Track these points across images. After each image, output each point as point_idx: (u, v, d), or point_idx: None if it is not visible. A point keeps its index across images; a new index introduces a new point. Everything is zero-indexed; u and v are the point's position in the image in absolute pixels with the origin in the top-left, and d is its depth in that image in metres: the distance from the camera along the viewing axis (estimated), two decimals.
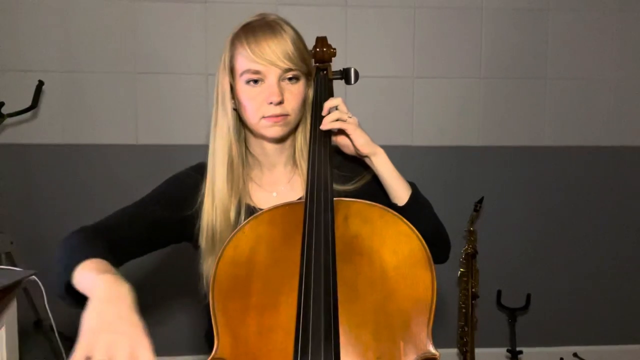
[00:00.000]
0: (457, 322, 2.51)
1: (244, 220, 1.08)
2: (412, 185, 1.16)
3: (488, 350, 2.59)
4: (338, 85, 1.25)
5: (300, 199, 1.16)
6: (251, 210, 1.14)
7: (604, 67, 2.57)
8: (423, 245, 0.95)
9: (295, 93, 1.11)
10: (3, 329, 1.42)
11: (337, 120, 1.10)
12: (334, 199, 1.01)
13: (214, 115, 1.15)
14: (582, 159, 2.60)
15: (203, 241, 1.14)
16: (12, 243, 2.15)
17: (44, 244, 2.41)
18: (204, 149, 1.17)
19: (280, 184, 1.20)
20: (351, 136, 1.11)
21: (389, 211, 1.00)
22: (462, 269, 2.43)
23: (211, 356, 0.88)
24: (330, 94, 1.19)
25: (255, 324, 0.88)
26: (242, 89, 1.10)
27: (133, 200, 1.15)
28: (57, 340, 1.75)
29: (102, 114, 2.42)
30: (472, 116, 2.56)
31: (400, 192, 1.12)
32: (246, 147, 1.19)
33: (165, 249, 1.19)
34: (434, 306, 0.90)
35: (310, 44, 1.26)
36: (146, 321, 0.77)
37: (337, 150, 1.19)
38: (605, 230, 2.63)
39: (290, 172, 1.21)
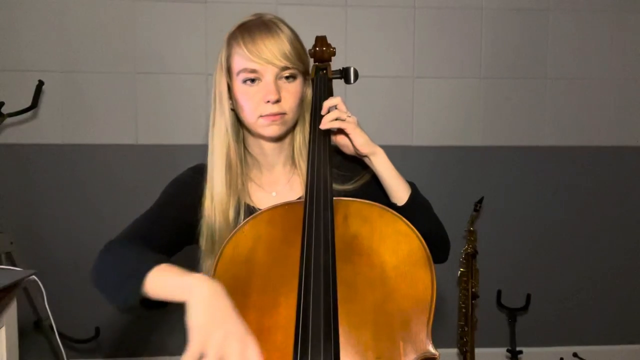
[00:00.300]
0: (457, 322, 2.51)
1: (244, 220, 1.07)
2: (412, 185, 1.16)
3: (488, 350, 2.59)
4: (337, 85, 1.25)
5: (299, 198, 1.15)
6: (250, 210, 1.14)
7: (604, 67, 2.57)
8: (423, 245, 0.95)
9: (293, 91, 1.10)
10: (3, 329, 1.42)
11: (336, 119, 1.10)
12: (334, 198, 1.01)
13: (212, 116, 1.15)
14: (582, 159, 2.60)
15: (203, 242, 1.14)
16: (12, 243, 2.15)
17: (44, 244, 2.42)
18: (203, 149, 1.17)
19: (280, 183, 1.20)
20: (350, 135, 1.10)
21: (388, 211, 1.00)
22: (462, 269, 2.42)
23: None
24: (329, 94, 1.19)
25: (255, 323, 0.88)
26: (239, 88, 1.10)
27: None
28: (57, 340, 1.75)
29: (102, 114, 2.42)
30: (472, 116, 2.56)
31: (399, 192, 1.12)
32: (245, 148, 1.19)
33: None
34: (433, 306, 0.90)
35: (309, 43, 1.26)
36: (145, 321, 0.77)
37: (337, 150, 1.18)
38: (605, 230, 2.63)
39: (290, 171, 1.21)
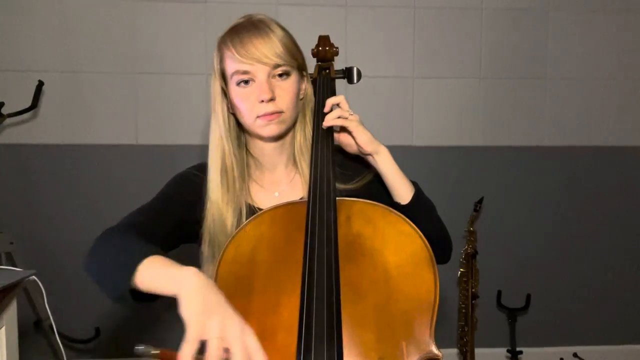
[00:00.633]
0: (457, 322, 2.51)
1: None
2: (415, 185, 1.16)
3: (488, 350, 2.59)
4: (338, 85, 1.25)
5: (302, 198, 1.15)
6: (253, 211, 1.14)
7: (604, 67, 2.57)
8: (426, 245, 0.95)
9: (287, 89, 1.10)
10: (3, 329, 1.42)
11: (339, 117, 1.10)
12: (337, 198, 1.01)
13: (210, 121, 1.15)
14: (582, 159, 2.60)
15: (205, 247, 1.14)
16: (12, 243, 2.15)
17: (44, 244, 2.41)
18: (203, 149, 1.17)
19: (282, 183, 1.20)
20: (353, 133, 1.10)
21: (391, 211, 1.00)
22: (462, 269, 2.42)
23: None
24: (332, 93, 1.19)
25: (258, 324, 0.88)
26: (234, 91, 1.10)
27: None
28: (57, 341, 1.75)
29: (102, 114, 2.41)
30: (472, 116, 2.56)
31: (403, 191, 1.12)
32: (247, 150, 1.19)
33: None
34: (436, 306, 0.90)
35: (310, 43, 1.26)
36: (145, 321, 0.77)
37: (340, 150, 1.18)
38: (605, 230, 2.63)
39: (292, 171, 1.21)
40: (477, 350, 2.43)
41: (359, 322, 0.88)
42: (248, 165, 1.20)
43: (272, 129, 1.10)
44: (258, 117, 1.08)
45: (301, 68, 1.15)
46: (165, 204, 1.13)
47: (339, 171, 1.15)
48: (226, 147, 1.13)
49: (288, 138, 1.17)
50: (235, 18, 1.14)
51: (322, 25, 2.45)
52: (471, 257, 2.41)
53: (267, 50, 1.05)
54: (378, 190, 1.15)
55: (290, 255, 0.94)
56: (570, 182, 2.61)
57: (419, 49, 2.52)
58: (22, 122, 2.37)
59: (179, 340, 0.76)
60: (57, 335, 1.74)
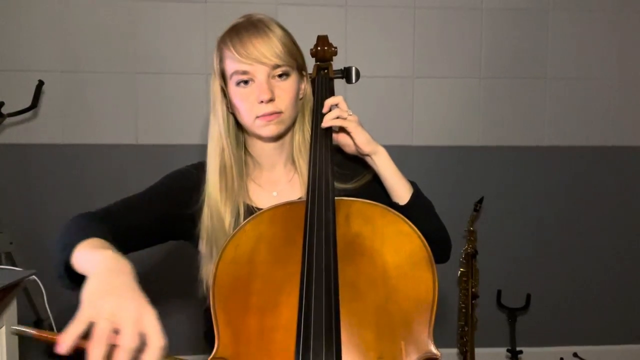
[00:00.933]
0: (457, 322, 2.51)
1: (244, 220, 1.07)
2: (414, 185, 1.16)
3: (488, 350, 2.59)
4: (337, 85, 1.25)
5: (300, 198, 1.15)
6: (251, 211, 1.14)
7: (604, 67, 2.57)
8: (424, 245, 0.95)
9: (286, 89, 1.10)
10: (3, 329, 1.42)
11: (337, 117, 1.10)
12: (335, 198, 1.01)
13: (210, 121, 1.16)
14: (582, 159, 2.60)
15: (203, 246, 1.14)
16: (12, 243, 2.15)
17: (44, 244, 2.41)
18: (203, 149, 1.17)
19: (281, 183, 1.20)
20: (352, 134, 1.10)
21: (390, 210, 1.00)
22: (462, 269, 2.43)
23: (212, 356, 0.88)
24: (331, 93, 1.19)
25: (256, 323, 0.88)
26: (234, 91, 1.10)
27: None
28: None
29: (102, 114, 2.42)
30: (472, 116, 2.56)
31: (401, 192, 1.12)
32: (246, 149, 1.19)
33: (165, 247, 1.18)
34: (435, 306, 0.90)
35: (309, 43, 1.26)
36: None
37: (338, 150, 1.18)
38: (605, 230, 2.63)
39: (290, 171, 1.21)
40: (477, 350, 2.43)
41: (358, 322, 0.88)
42: (246, 165, 1.20)
43: (272, 129, 1.10)
44: (257, 117, 1.08)
45: (301, 68, 1.15)
46: (149, 197, 1.13)
47: (338, 171, 1.15)
48: (225, 146, 1.13)
49: (287, 138, 1.17)
50: (235, 18, 1.14)
51: (321, 25, 2.44)
52: (471, 257, 2.41)
53: (266, 51, 1.05)
54: (377, 190, 1.15)
55: (289, 255, 0.94)
56: (570, 182, 2.60)
57: (419, 49, 2.52)
58: (22, 122, 2.37)
59: (179, 342, 0.75)
60: None
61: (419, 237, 0.96)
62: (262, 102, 1.06)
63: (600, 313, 2.66)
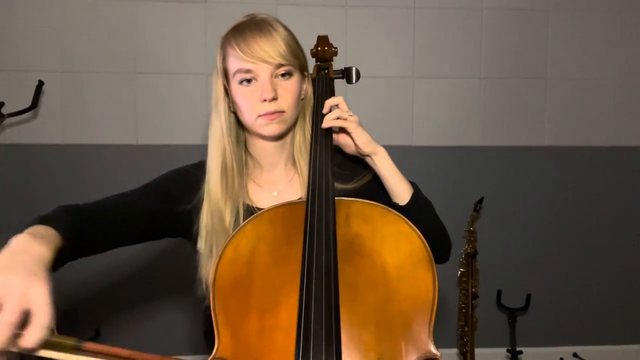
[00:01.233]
0: (457, 322, 2.51)
1: (244, 220, 1.07)
2: (414, 185, 1.16)
3: (488, 350, 2.59)
4: (337, 85, 1.25)
5: (300, 198, 1.15)
6: (251, 211, 1.14)
7: (604, 67, 2.57)
8: (424, 245, 0.95)
9: (289, 89, 1.10)
10: None
11: (337, 118, 1.10)
12: (335, 198, 1.01)
13: (210, 119, 1.16)
14: (582, 159, 2.60)
15: (203, 245, 1.14)
16: None
17: None
18: (203, 149, 1.17)
19: (281, 183, 1.20)
20: (352, 134, 1.10)
21: (390, 211, 1.00)
22: (462, 269, 2.43)
23: (212, 356, 0.88)
24: (331, 93, 1.19)
25: (256, 323, 0.88)
26: (236, 89, 1.10)
27: None
28: None
29: (102, 114, 2.42)
30: (472, 116, 2.56)
31: (401, 192, 1.12)
32: (246, 149, 1.19)
33: (164, 247, 1.18)
34: (435, 306, 0.90)
35: (310, 43, 1.26)
36: (145, 321, 0.76)
37: (338, 150, 1.19)
38: (605, 230, 2.63)
39: (290, 171, 1.21)
40: (477, 350, 2.44)
41: (358, 322, 0.88)
42: (246, 165, 1.20)
43: (273, 129, 1.10)
44: (259, 116, 1.08)
45: (303, 68, 1.15)
46: (141, 193, 1.14)
47: (338, 171, 1.15)
48: (227, 145, 1.13)
49: (288, 138, 1.17)
50: (235, 18, 1.14)
51: (322, 25, 2.45)
52: (471, 257, 2.41)
53: (270, 50, 1.06)
54: (377, 191, 1.15)
55: (289, 255, 0.94)
56: (570, 182, 2.60)
57: (419, 49, 2.52)
58: (22, 122, 2.37)
59: (179, 341, 0.76)
60: None
61: (419, 237, 0.96)
62: (264, 100, 1.07)
63: (600, 313, 2.66)
